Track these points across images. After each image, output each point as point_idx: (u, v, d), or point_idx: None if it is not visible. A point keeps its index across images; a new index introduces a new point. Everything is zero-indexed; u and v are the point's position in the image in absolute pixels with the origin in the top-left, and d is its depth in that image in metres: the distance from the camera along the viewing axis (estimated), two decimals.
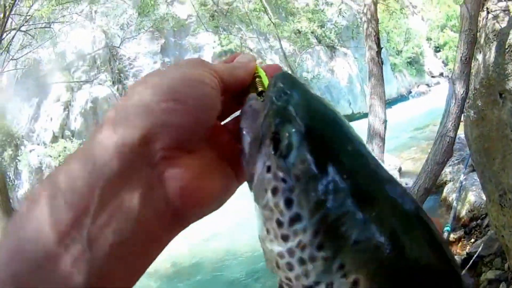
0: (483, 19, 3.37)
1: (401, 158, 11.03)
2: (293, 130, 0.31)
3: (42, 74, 16.42)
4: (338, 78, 18.46)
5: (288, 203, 0.29)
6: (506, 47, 2.94)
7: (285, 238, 0.29)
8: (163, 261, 7.98)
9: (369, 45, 5.05)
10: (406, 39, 20.94)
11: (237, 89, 0.39)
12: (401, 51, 21.08)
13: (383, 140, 4.58)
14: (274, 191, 0.30)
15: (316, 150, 0.30)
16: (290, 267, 0.29)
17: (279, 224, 0.29)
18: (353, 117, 18.54)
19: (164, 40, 16.37)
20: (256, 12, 12.47)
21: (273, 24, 11.38)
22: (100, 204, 0.29)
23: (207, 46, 16.80)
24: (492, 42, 3.15)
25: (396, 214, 0.29)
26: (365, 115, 20.80)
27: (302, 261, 0.28)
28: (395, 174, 9.90)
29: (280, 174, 0.30)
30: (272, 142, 0.31)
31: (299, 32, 16.38)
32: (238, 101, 0.39)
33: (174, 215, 0.33)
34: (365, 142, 3.81)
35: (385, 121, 4.67)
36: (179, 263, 8.01)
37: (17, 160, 18.12)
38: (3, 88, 18.51)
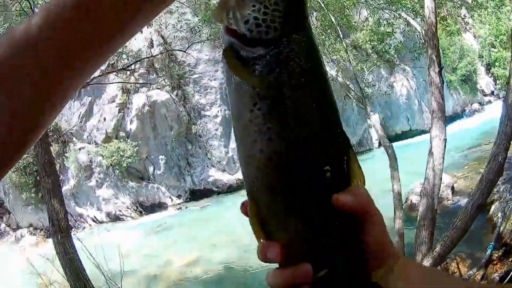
0: None
1: (454, 177, 10.96)
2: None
3: (94, 76, 16.39)
4: (397, 94, 18.32)
5: (276, 10, 0.44)
6: None
7: (265, 14, 0.43)
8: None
9: (431, 64, 5.03)
10: (460, 56, 20.72)
11: None
12: (456, 68, 20.87)
13: (442, 158, 4.69)
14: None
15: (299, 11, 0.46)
16: (257, 23, 0.43)
17: (266, 8, 0.44)
18: (410, 133, 18.45)
19: None
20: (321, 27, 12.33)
21: (342, 40, 11.31)
22: None
23: None
24: None
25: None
26: (422, 132, 20.58)
27: (266, 20, 0.44)
28: (448, 192, 9.75)
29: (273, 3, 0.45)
30: None
31: (360, 47, 16.21)
32: None
33: None
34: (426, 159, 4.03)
35: (445, 140, 4.77)
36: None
37: (63, 157, 18.10)
38: None
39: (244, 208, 0.46)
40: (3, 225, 21.28)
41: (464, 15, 19.01)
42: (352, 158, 0.45)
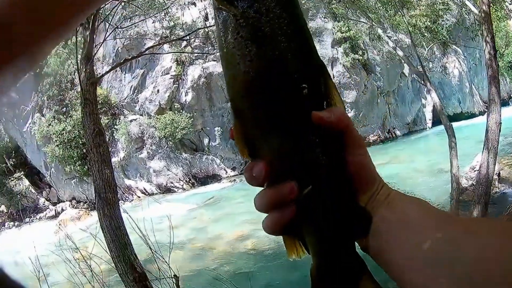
0: None
1: (500, 163, 10.85)
2: None
3: (148, 46, 16.46)
4: (449, 75, 18.44)
5: None
6: None
7: None
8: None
9: (486, 47, 5.16)
10: (506, 42, 20.90)
11: None
12: (503, 54, 21.02)
13: (497, 142, 4.78)
14: None
15: None
16: None
17: None
18: (461, 116, 18.53)
19: None
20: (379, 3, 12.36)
21: (403, 16, 11.33)
22: None
23: (326, 31, 16.78)
24: None
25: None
26: (472, 116, 20.50)
27: None
28: (495, 179, 9.66)
29: None
30: None
31: (414, 25, 16.29)
32: None
33: None
34: (482, 142, 4.15)
35: (500, 124, 4.83)
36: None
37: (113, 129, 18.16)
38: (100, 58, 18.52)
39: (231, 133, 0.48)
40: (42, 199, 21.31)
41: (510, 2, 19.07)
42: (329, 82, 0.49)
